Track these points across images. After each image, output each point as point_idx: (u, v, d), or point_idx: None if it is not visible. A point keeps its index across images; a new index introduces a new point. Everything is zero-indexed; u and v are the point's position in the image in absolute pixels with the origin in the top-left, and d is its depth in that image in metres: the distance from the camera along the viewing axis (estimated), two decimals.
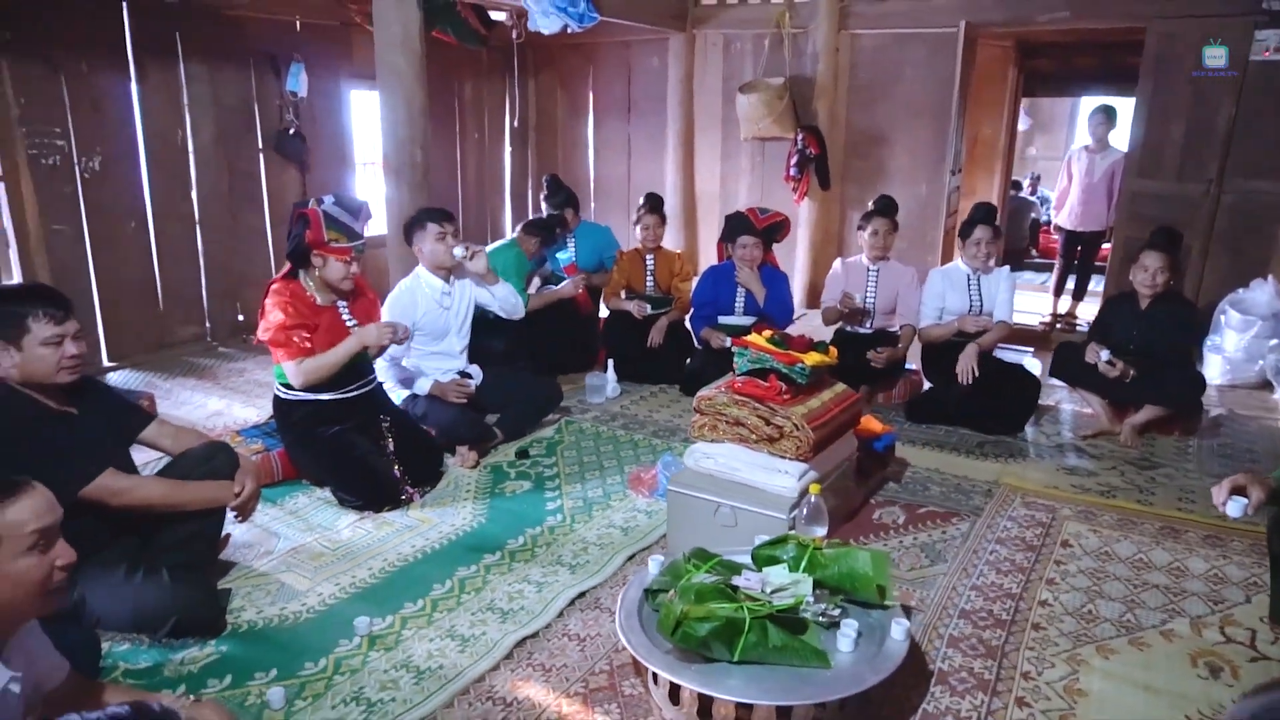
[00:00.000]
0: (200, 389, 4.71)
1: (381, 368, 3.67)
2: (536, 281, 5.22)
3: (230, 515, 2.73)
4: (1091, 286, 6.53)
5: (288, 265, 3.31)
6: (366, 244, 3.38)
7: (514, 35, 6.72)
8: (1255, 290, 4.89)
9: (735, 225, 4.53)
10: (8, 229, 4.65)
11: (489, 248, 4.69)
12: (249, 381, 4.85)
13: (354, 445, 3.31)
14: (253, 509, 2.75)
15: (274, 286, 3.27)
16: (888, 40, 6.21)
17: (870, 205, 4.54)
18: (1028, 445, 4.03)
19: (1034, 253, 9.32)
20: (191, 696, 1.85)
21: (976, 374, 4.03)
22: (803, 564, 2.32)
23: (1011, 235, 9.05)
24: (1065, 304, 6.45)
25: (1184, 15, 5.19)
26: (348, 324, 3.35)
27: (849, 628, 2.16)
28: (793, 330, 3.33)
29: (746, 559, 2.42)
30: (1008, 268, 4.39)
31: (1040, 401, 4.48)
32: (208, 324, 5.60)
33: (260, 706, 2.17)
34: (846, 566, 2.30)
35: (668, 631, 2.07)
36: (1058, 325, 6.22)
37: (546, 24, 4.77)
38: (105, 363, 5.05)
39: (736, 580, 2.25)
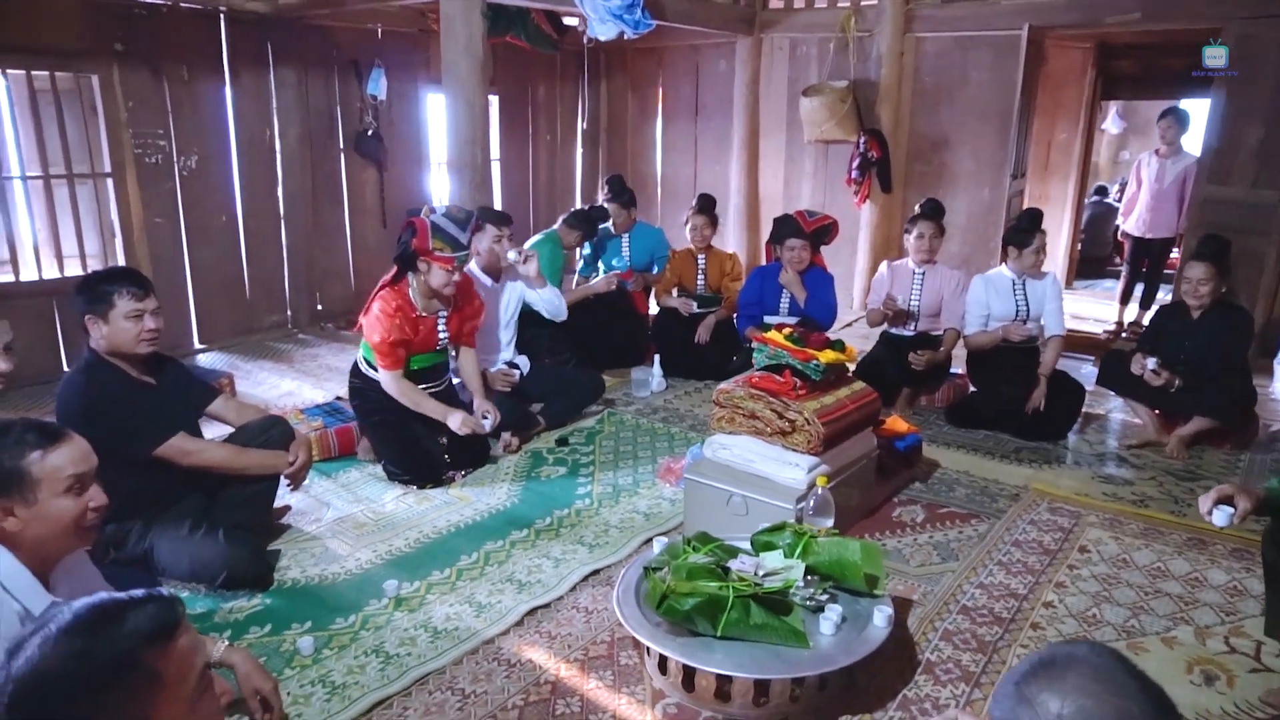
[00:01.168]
0: (276, 371, 5.09)
1: None
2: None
3: (283, 482, 3.01)
4: (1162, 296, 6.31)
5: (388, 276, 3.51)
6: (469, 255, 3.58)
7: (585, 40, 6.96)
8: None
9: (783, 228, 4.62)
10: (114, 221, 5.12)
11: (530, 241, 4.92)
12: (321, 366, 5.21)
13: (412, 425, 3.56)
14: (304, 478, 3.04)
15: (383, 292, 3.46)
16: (952, 44, 6.17)
17: (916, 209, 4.56)
18: (1067, 452, 4.00)
19: (1117, 260, 9.01)
20: (224, 641, 2.09)
21: (1041, 407, 4.04)
22: (797, 551, 2.43)
23: (1094, 242, 8.79)
24: (1133, 312, 6.27)
25: (1262, 15, 5.01)
26: (440, 335, 3.60)
27: (833, 612, 2.25)
28: (840, 332, 3.41)
29: (748, 544, 2.54)
30: (1054, 273, 4.34)
31: (1091, 410, 4.44)
32: (289, 312, 6.01)
33: (292, 653, 2.42)
34: (837, 554, 2.39)
35: (654, 604, 2.21)
36: (1123, 334, 6.06)
37: (604, 30, 4.95)
38: (196, 345, 5.49)
39: (732, 563, 2.37)
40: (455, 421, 3.45)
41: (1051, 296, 4.23)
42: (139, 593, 1.14)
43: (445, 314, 3.59)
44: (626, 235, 5.40)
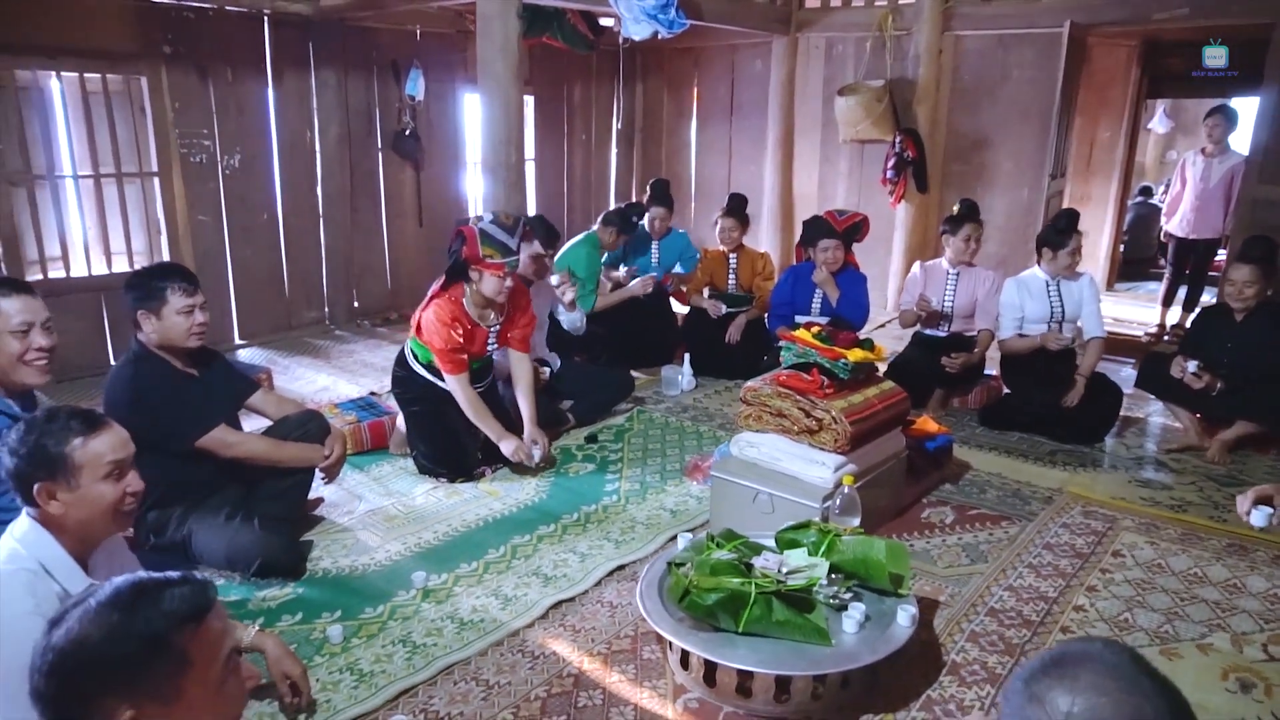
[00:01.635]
0: (314, 366, 5.19)
1: None
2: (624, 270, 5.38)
3: (319, 475, 3.08)
4: (1206, 299, 6.16)
5: (437, 285, 3.51)
6: (519, 261, 3.57)
7: (620, 40, 6.98)
8: None
9: (814, 230, 4.59)
10: (160, 218, 5.26)
11: (570, 243, 4.95)
12: (357, 362, 5.29)
13: (450, 417, 3.60)
14: (338, 471, 3.11)
15: (438, 299, 3.47)
16: (992, 42, 6.08)
17: (954, 209, 4.50)
18: (1103, 456, 3.93)
19: (1161, 262, 8.81)
20: (256, 626, 2.14)
21: (1074, 402, 4.00)
22: (822, 549, 2.43)
23: (1137, 244, 8.61)
24: (1175, 315, 6.13)
25: None
26: (489, 347, 3.63)
27: (856, 610, 2.25)
28: (873, 333, 3.39)
29: (772, 542, 2.54)
30: (1090, 274, 4.27)
31: (1130, 414, 4.35)
32: (326, 309, 6.12)
33: (321, 641, 2.47)
34: (862, 553, 2.38)
35: (676, 599, 2.22)
36: (1164, 337, 5.92)
37: (638, 30, 4.97)
38: (236, 340, 5.61)
39: (756, 560, 2.38)
40: (508, 448, 3.51)
41: (1089, 298, 4.15)
42: (175, 574, 1.18)
43: (498, 326, 3.61)
44: (657, 242, 5.38)
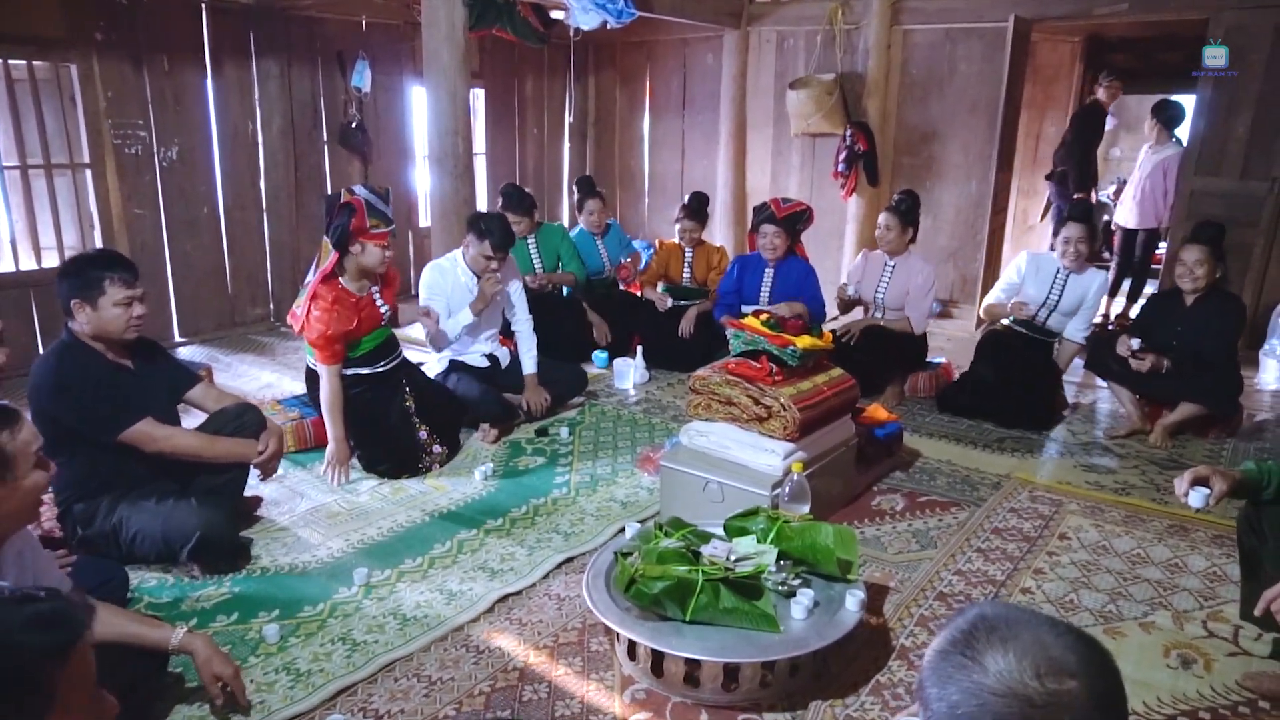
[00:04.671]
0: (257, 364, 5.05)
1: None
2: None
3: (254, 471, 2.97)
4: (1147, 291, 6.29)
5: (329, 264, 3.42)
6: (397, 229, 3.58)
7: (572, 33, 6.91)
8: None
9: (757, 215, 4.61)
10: (94, 212, 5.07)
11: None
12: (303, 359, 5.09)
13: (383, 416, 3.53)
14: (275, 468, 2.99)
15: (318, 291, 3.39)
16: (940, 36, 6.14)
17: (893, 200, 4.56)
18: (1051, 442, 3.97)
19: (1105, 255, 9.02)
20: (185, 628, 2.03)
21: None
22: (770, 536, 2.40)
23: None
24: (1120, 305, 6.25)
25: (1249, 6, 4.99)
26: (381, 310, 3.57)
27: (804, 596, 2.22)
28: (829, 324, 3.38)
29: (721, 530, 2.51)
30: (1104, 275, 4.31)
31: (1077, 399, 4.42)
32: (271, 305, 5.96)
33: (257, 640, 2.38)
34: (810, 540, 2.36)
35: (622, 588, 2.18)
36: (1110, 326, 6.03)
37: (586, 20, 4.91)
38: (176, 338, 5.44)
39: (704, 548, 2.34)
40: (329, 452, 3.45)
41: (1090, 302, 4.18)
42: (45, 607, 1.06)
43: (376, 290, 3.57)
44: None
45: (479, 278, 3.93)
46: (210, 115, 5.44)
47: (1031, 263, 4.28)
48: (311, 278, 3.45)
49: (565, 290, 5.14)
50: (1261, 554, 2.14)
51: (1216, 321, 3.87)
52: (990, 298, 4.40)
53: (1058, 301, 4.19)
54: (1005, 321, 4.36)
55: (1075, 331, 4.21)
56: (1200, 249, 3.84)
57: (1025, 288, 4.25)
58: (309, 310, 3.38)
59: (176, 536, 2.63)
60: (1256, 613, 1.88)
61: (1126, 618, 2.52)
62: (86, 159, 4.97)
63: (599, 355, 5.00)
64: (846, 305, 4.58)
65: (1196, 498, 2.10)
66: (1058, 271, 4.20)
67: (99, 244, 5.08)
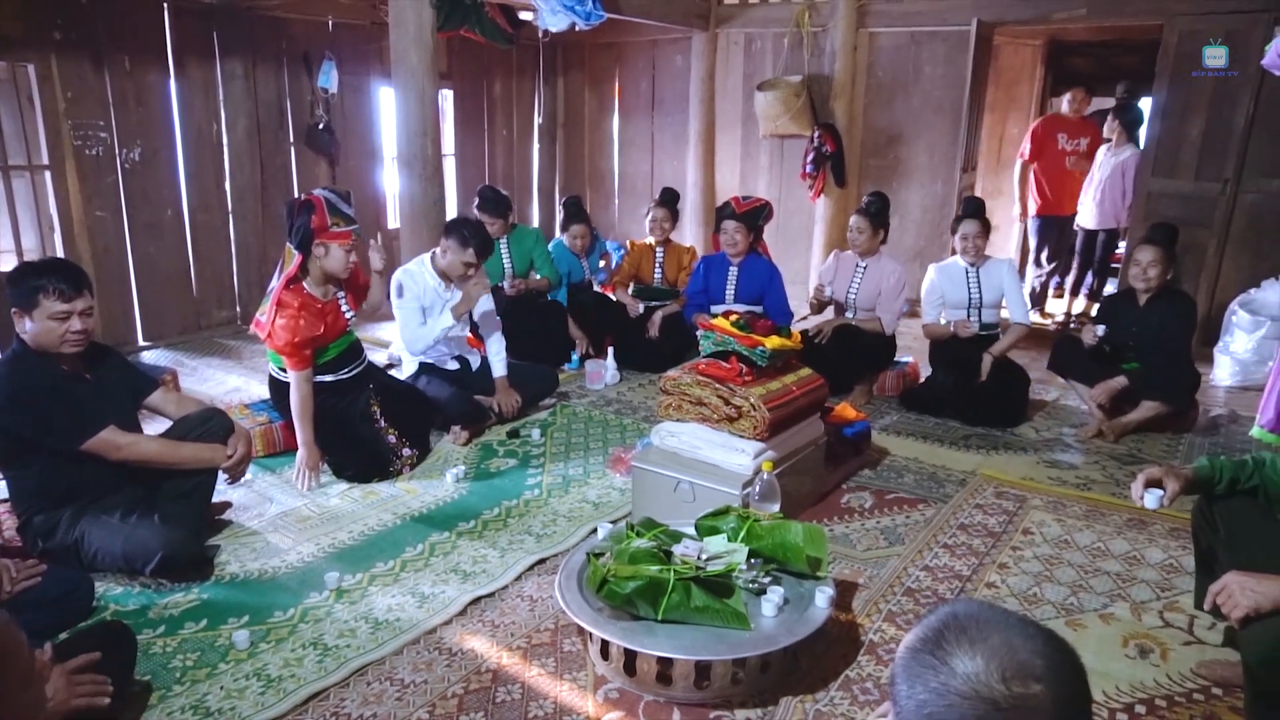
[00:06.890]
0: (224, 367, 4.99)
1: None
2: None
3: (222, 476, 2.94)
4: (1108, 290, 6.42)
5: (293, 268, 3.38)
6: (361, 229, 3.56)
7: (541, 34, 6.90)
8: (1266, 290, 4.81)
9: (719, 213, 4.66)
10: (53, 215, 4.98)
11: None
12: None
13: (350, 422, 3.51)
14: (243, 472, 2.97)
15: (282, 299, 3.35)
16: (905, 39, 6.23)
17: (864, 201, 4.61)
18: (1015, 439, 4.05)
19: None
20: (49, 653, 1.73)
21: (984, 377, 4.13)
22: (741, 535, 2.43)
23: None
24: (1081, 304, 6.38)
25: (1205, 12, 5.12)
26: (346, 315, 3.56)
27: (774, 594, 2.25)
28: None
29: (693, 530, 2.53)
30: (1010, 260, 4.41)
31: (1040, 398, 4.51)
32: (238, 308, 5.89)
33: (227, 647, 2.36)
34: (780, 538, 2.39)
35: (594, 588, 2.20)
36: (1070, 325, 6.16)
37: (554, 22, 4.92)
38: (140, 342, 5.36)
39: (675, 548, 2.36)
40: (299, 457, 3.44)
41: (1009, 285, 4.27)
42: None
43: (341, 294, 3.55)
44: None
45: (449, 282, 3.92)
46: (174, 116, 5.37)
47: (941, 274, 4.37)
48: (275, 283, 3.42)
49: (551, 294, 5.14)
50: (1215, 546, 2.21)
51: (1170, 319, 3.98)
52: (926, 318, 4.44)
53: (980, 296, 4.29)
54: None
55: (1018, 315, 4.28)
56: (1154, 249, 3.94)
57: (946, 298, 4.33)
58: (273, 318, 3.34)
59: (138, 555, 2.59)
60: (1205, 607, 1.94)
61: (1087, 610, 2.59)
62: (45, 160, 4.88)
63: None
64: (822, 307, 4.62)
65: (1151, 499, 2.16)
66: (966, 271, 4.29)
67: (59, 247, 5.00)
